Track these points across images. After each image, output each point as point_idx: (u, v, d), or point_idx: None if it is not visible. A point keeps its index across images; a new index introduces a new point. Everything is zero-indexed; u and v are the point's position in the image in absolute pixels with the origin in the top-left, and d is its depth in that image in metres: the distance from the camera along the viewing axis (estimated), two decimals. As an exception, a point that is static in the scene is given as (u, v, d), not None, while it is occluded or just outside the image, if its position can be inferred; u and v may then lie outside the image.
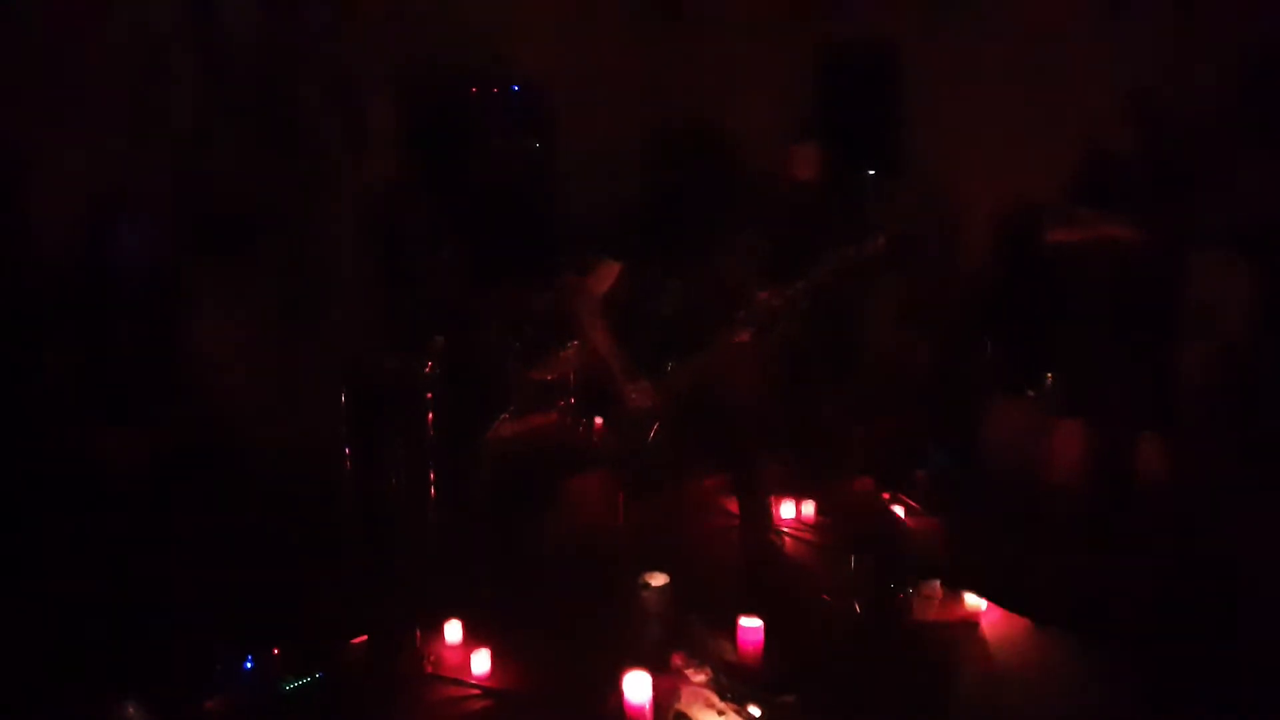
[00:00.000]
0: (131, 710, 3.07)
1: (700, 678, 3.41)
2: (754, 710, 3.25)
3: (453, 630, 3.85)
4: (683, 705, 3.30)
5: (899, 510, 5.07)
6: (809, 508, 5.12)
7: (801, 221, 4.87)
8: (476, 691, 3.57)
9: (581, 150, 5.94)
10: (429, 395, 4.05)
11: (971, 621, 4.00)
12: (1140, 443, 4.58)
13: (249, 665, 3.51)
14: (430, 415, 4.05)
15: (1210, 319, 4.83)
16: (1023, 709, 3.47)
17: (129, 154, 4.47)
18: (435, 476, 4.15)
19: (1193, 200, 4.62)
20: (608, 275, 4.24)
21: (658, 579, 3.71)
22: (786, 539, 4.87)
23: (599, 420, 4.53)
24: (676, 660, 3.52)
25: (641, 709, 3.30)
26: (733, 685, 3.37)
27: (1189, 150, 4.89)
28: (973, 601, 4.03)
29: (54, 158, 4.23)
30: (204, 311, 4.38)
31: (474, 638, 3.80)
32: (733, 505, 4.80)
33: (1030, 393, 5.33)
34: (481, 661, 3.65)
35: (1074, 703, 3.50)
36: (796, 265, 4.48)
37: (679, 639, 3.64)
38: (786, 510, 5.09)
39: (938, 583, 4.03)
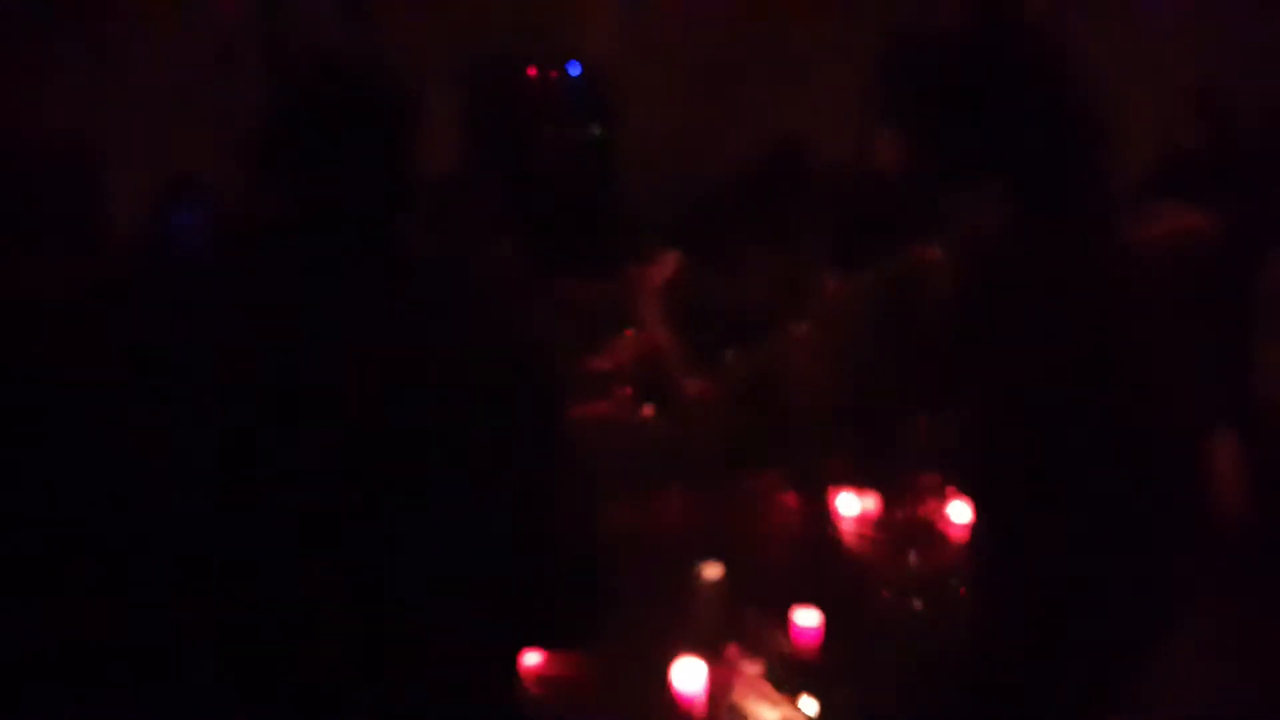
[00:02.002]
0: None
1: (755, 669, 3.39)
2: (809, 703, 3.22)
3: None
4: (737, 696, 3.28)
5: (964, 504, 4.98)
6: (871, 501, 5.05)
7: (871, 213, 4.79)
8: (528, 682, 3.56)
9: (645, 137, 5.91)
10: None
11: (1034, 619, 3.91)
12: (1214, 438, 4.45)
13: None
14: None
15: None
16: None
17: (198, 146, 4.56)
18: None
19: (1265, 193, 4.51)
20: (667, 265, 4.22)
21: (713, 569, 3.68)
22: (846, 533, 4.81)
23: (649, 409, 4.52)
24: (731, 652, 3.50)
25: (694, 699, 3.28)
26: (788, 677, 3.34)
27: (1261, 141, 4.77)
28: (1036, 600, 3.94)
29: (130, 144, 4.34)
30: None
31: (528, 626, 3.80)
32: (792, 498, 4.77)
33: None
34: (533, 652, 3.65)
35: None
36: (866, 257, 4.42)
37: (734, 630, 3.62)
38: (848, 503, 5.02)
39: (1000, 579, 3.95)
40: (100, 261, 4.08)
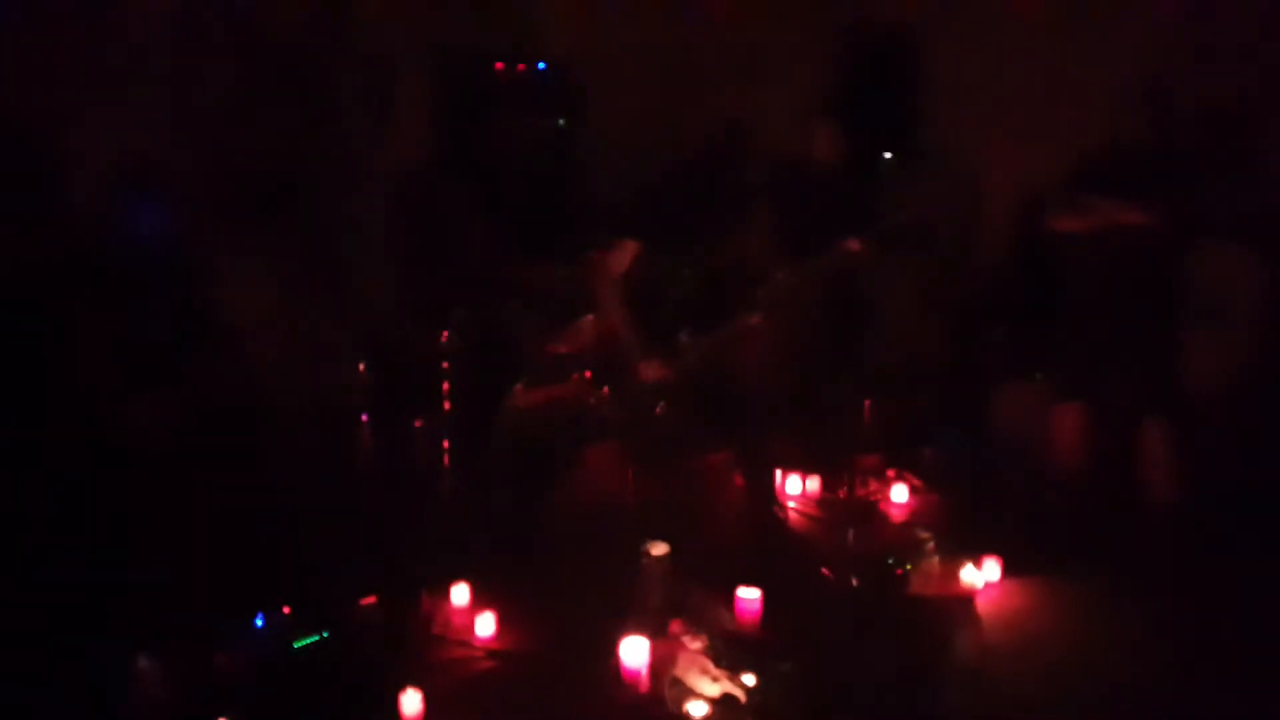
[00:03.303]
0: (143, 664, 3.18)
1: (697, 645, 3.50)
2: (748, 678, 3.34)
3: (460, 593, 3.97)
4: (679, 671, 3.39)
5: (905, 486, 5.15)
6: (814, 482, 5.19)
7: (818, 203, 4.91)
8: (480, 653, 3.69)
9: (606, 129, 5.98)
10: (445, 365, 4.13)
11: (967, 597, 4.07)
12: (1143, 428, 4.61)
13: (259, 622, 3.63)
14: (446, 384, 4.13)
15: (1218, 307, 4.85)
16: (1017, 683, 3.52)
17: (162, 126, 4.56)
18: (450, 443, 4.24)
19: (1202, 188, 4.63)
20: (626, 254, 4.32)
21: (659, 548, 3.80)
22: (790, 512, 4.95)
23: (605, 390, 4.61)
24: (675, 627, 3.62)
25: (638, 673, 3.40)
26: (729, 653, 3.46)
27: (1200, 138, 4.89)
28: (969, 578, 4.10)
29: (87, 128, 4.33)
30: (231, 280, 4.47)
31: (481, 601, 3.92)
32: (739, 479, 4.90)
33: (1039, 376, 5.37)
34: (487, 624, 3.77)
35: (1068, 677, 3.56)
36: (810, 246, 4.54)
37: (678, 607, 3.74)
38: (792, 485, 5.17)
39: (936, 559, 4.11)
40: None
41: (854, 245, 4.28)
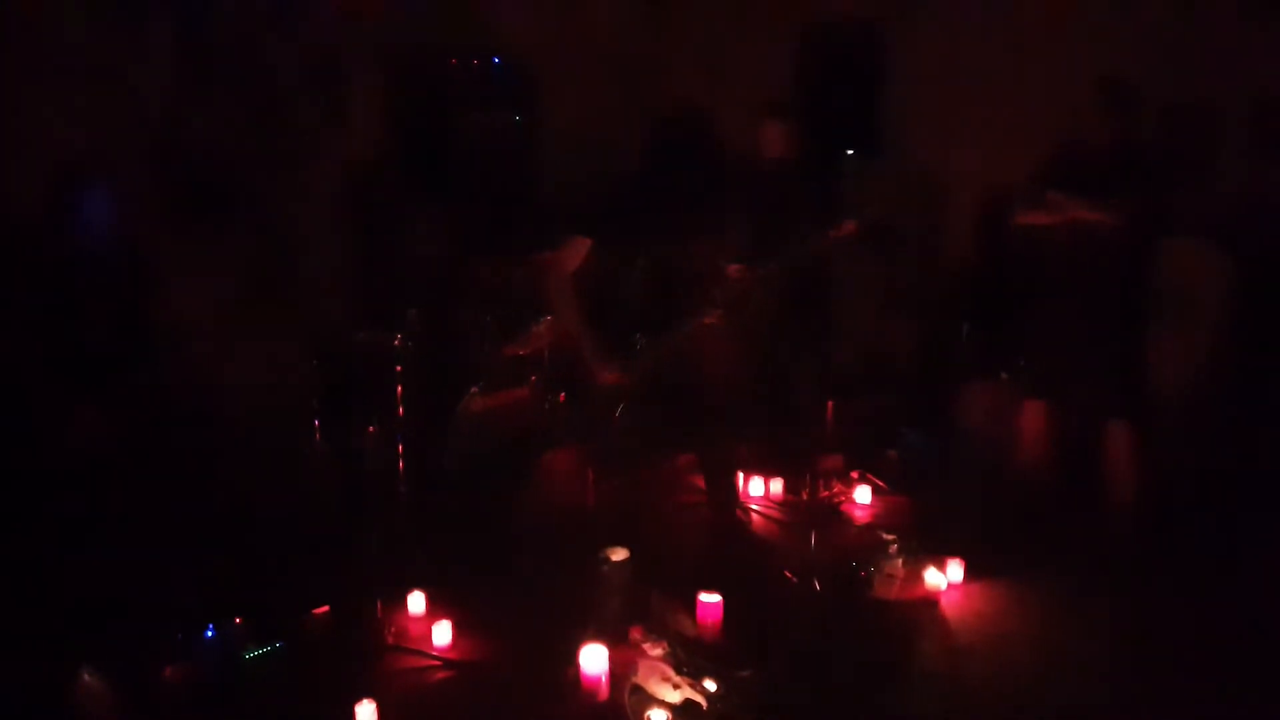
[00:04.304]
0: (88, 677, 3.09)
1: (657, 651, 3.44)
2: (709, 684, 3.28)
3: (415, 602, 3.88)
4: (639, 678, 3.32)
5: (867, 488, 5.12)
6: (777, 485, 5.15)
7: (775, 201, 4.86)
8: (437, 663, 3.60)
9: (561, 127, 5.93)
10: (399, 368, 4.05)
11: (931, 600, 4.04)
12: (1107, 428, 4.60)
13: (210, 634, 3.52)
14: (400, 388, 4.06)
15: (1184, 306, 4.85)
16: (980, 687, 3.49)
17: (101, 122, 4.46)
18: (404, 449, 4.16)
19: (1166, 187, 4.62)
20: (577, 252, 4.25)
21: (618, 554, 3.73)
22: (754, 516, 4.91)
23: (562, 395, 4.55)
24: (634, 634, 3.56)
25: (598, 680, 3.33)
26: (689, 659, 3.40)
27: (1163, 137, 4.88)
28: (933, 580, 4.07)
29: (24, 123, 4.22)
30: (175, 282, 4.38)
31: (436, 609, 3.83)
32: (701, 482, 4.85)
33: (1004, 375, 5.36)
34: (443, 633, 3.68)
35: (1033, 678, 3.53)
36: (770, 245, 4.49)
37: (638, 613, 3.68)
38: (755, 487, 5.12)
39: (899, 561, 4.07)
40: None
41: (831, 236, 4.22)
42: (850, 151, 5.95)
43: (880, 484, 5.20)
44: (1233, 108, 5.35)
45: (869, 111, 6.27)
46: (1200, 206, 4.94)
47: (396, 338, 4.01)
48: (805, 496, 4.96)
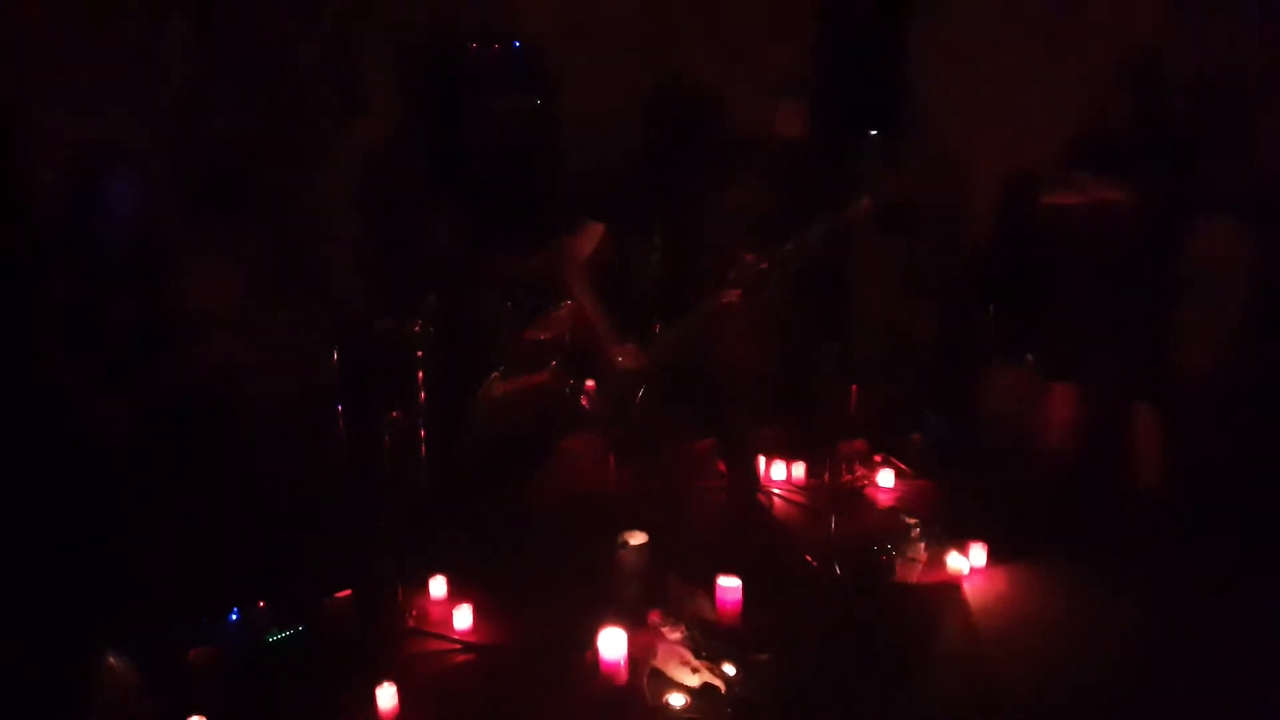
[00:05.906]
0: (113, 660, 3.12)
1: (676, 635, 3.44)
2: (728, 668, 3.28)
3: (437, 586, 3.91)
4: (658, 662, 3.34)
5: (890, 471, 5.10)
6: (799, 469, 5.14)
7: (790, 183, 4.82)
8: (457, 646, 3.62)
9: (578, 110, 5.90)
10: (419, 354, 4.07)
11: (954, 584, 4.02)
12: (1133, 411, 4.55)
13: (234, 617, 3.57)
14: (420, 374, 4.08)
15: (1210, 286, 4.78)
16: (1002, 671, 3.47)
17: (122, 112, 4.48)
18: (425, 435, 4.18)
19: (1192, 166, 4.56)
20: (591, 237, 4.25)
21: (636, 537, 3.74)
22: (775, 500, 4.89)
23: (590, 382, 4.55)
24: (653, 617, 3.56)
25: (617, 664, 3.34)
26: (708, 643, 3.40)
27: (1190, 115, 4.81)
28: (955, 564, 4.05)
29: (45, 114, 4.24)
30: (196, 271, 4.40)
31: (457, 593, 3.86)
32: (722, 466, 4.84)
33: (1029, 358, 5.32)
34: (464, 617, 3.70)
35: (1055, 662, 3.50)
36: (786, 227, 4.46)
37: (657, 597, 3.68)
38: (776, 471, 5.11)
39: (921, 545, 4.05)
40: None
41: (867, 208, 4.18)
42: (874, 132, 5.88)
43: (903, 467, 5.17)
44: (1265, 80, 5.26)
45: (891, 91, 6.19)
46: (1230, 182, 4.86)
47: (416, 324, 4.02)
48: (827, 480, 4.93)
